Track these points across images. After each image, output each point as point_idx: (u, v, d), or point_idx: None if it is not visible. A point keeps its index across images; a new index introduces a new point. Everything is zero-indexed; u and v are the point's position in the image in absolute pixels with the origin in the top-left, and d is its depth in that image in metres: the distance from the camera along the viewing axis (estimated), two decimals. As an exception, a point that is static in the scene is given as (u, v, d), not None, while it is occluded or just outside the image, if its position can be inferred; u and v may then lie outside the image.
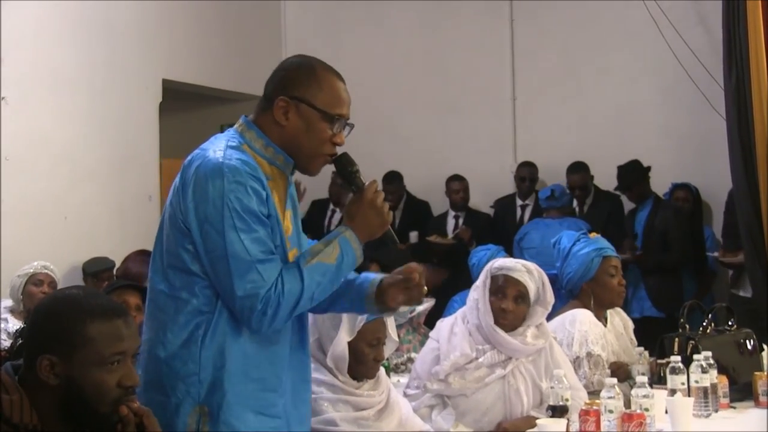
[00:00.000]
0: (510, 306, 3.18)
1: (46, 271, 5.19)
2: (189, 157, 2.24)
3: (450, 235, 6.94)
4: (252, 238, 2.13)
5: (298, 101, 2.24)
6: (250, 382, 2.19)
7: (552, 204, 6.48)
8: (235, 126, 2.32)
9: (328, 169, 2.37)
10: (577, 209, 6.83)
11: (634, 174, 6.42)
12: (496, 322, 3.19)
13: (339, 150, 2.33)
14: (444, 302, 5.49)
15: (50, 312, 1.92)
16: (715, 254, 6.19)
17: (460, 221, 7.06)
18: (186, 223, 2.17)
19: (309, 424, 2.44)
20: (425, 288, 2.38)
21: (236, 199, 2.12)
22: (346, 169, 2.33)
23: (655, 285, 6.21)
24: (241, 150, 2.21)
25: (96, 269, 5.72)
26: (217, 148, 2.21)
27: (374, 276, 2.43)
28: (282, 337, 2.27)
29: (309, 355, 2.43)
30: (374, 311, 2.45)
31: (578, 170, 6.74)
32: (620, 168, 6.46)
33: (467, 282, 5.29)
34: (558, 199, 6.48)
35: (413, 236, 6.98)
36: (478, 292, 3.27)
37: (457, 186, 7.08)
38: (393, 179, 7.27)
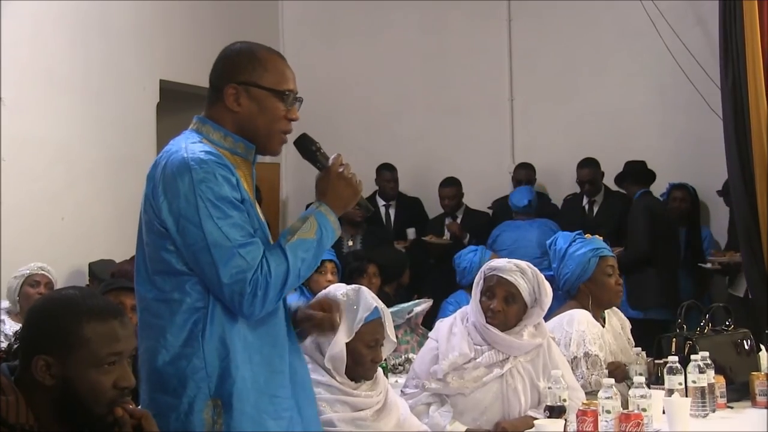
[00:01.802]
0: (498, 306, 3.19)
1: (42, 272, 5.18)
2: (153, 162, 2.27)
3: (446, 236, 6.95)
4: (230, 224, 2.14)
5: (246, 85, 2.28)
6: (256, 366, 2.20)
7: (526, 211, 6.55)
8: (190, 126, 2.34)
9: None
10: (586, 207, 6.84)
11: (625, 170, 6.52)
12: (487, 323, 3.20)
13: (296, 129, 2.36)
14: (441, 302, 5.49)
15: (46, 312, 1.92)
16: (708, 265, 6.19)
17: (458, 221, 7.06)
18: (162, 225, 2.18)
19: (316, 407, 2.45)
20: (337, 321, 2.41)
21: (207, 189, 2.14)
22: (308, 148, 2.37)
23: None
24: (202, 144, 2.24)
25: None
26: (177, 147, 2.23)
27: (293, 303, 2.45)
28: (277, 320, 2.28)
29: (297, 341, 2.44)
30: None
31: (587, 165, 6.76)
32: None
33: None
34: (532, 207, 6.57)
35: (411, 233, 6.99)
36: (473, 292, 3.29)
37: (447, 192, 7.05)
38: (390, 167, 7.29)
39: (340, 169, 2.32)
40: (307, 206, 2.27)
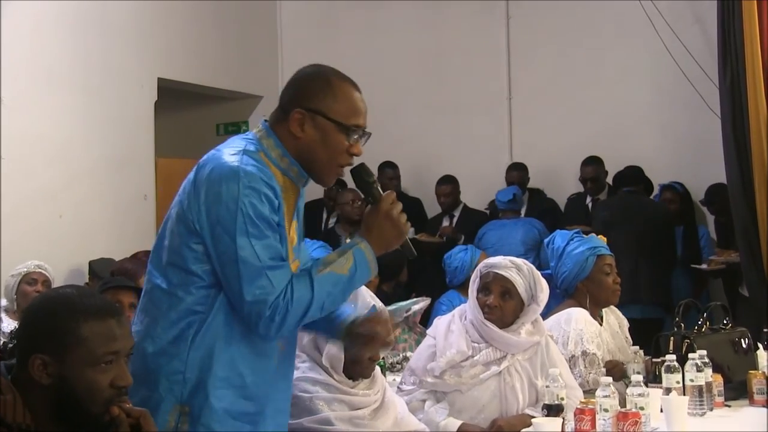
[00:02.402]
0: (494, 302, 3.20)
1: (40, 270, 5.16)
2: (204, 158, 2.23)
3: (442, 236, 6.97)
4: (263, 245, 2.13)
5: (314, 113, 2.23)
6: (232, 389, 2.20)
7: (511, 207, 6.64)
8: (255, 130, 2.31)
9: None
10: (590, 205, 6.83)
11: (621, 173, 6.55)
12: (486, 318, 3.21)
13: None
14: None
15: (43, 311, 1.91)
16: (703, 266, 6.18)
17: (455, 221, 7.08)
18: (197, 224, 2.16)
19: None
20: (392, 338, 2.42)
21: (250, 204, 2.12)
22: (363, 179, 2.33)
23: None
24: (257, 157, 2.20)
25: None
26: (233, 151, 2.20)
27: (350, 314, 2.47)
28: (271, 350, 2.27)
29: (293, 366, 2.45)
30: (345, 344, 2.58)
31: (591, 163, 6.77)
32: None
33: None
34: (517, 203, 6.66)
35: (409, 232, 7.00)
36: (470, 290, 3.31)
37: (443, 190, 7.09)
38: (392, 165, 7.36)
39: (390, 209, 2.28)
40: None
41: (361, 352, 2.42)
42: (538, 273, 3.26)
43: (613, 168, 6.73)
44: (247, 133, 2.31)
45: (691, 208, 6.58)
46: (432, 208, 7.39)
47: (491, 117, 7.61)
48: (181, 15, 7.12)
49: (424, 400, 3.21)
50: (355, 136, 2.26)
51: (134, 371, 2.17)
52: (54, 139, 6.04)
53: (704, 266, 6.14)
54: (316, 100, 2.23)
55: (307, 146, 2.25)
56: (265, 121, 2.31)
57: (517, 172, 7.08)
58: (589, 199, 6.85)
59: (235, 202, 2.11)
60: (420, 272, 6.81)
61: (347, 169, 2.36)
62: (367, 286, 3.00)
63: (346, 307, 2.46)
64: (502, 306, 3.21)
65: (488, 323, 3.20)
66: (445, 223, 7.10)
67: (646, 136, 6.99)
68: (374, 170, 7.10)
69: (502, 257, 3.33)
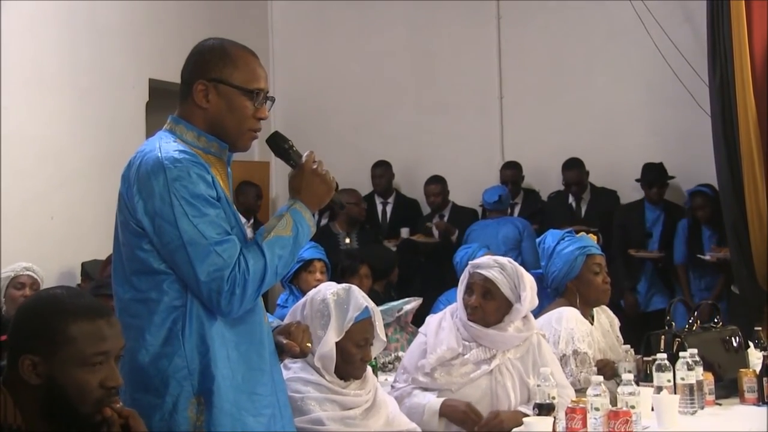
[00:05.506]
0: (476, 302, 3.21)
1: (28, 272, 5.08)
2: (127, 162, 2.28)
3: (434, 233, 6.98)
4: (205, 222, 2.14)
5: (216, 82, 2.27)
6: (234, 363, 2.21)
7: (496, 207, 6.65)
8: (164, 126, 2.34)
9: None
10: (573, 204, 6.85)
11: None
12: (470, 319, 3.22)
13: (270, 128, 2.39)
14: (433, 300, 5.50)
15: (33, 311, 1.91)
16: (707, 257, 6.19)
17: (445, 219, 7.09)
18: (138, 224, 2.18)
19: (290, 410, 2.46)
20: (308, 345, 2.42)
21: (182, 187, 2.14)
22: (280, 146, 2.38)
23: None
24: (176, 144, 2.23)
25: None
26: (151, 147, 2.23)
27: (271, 322, 2.47)
28: (255, 318, 2.28)
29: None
30: None
31: (573, 167, 6.77)
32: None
33: (454, 280, 5.32)
34: (503, 203, 6.68)
35: (404, 232, 7.03)
36: (458, 289, 3.32)
37: (432, 190, 7.11)
38: (382, 164, 7.41)
39: (314, 166, 2.32)
40: None
41: (281, 358, 2.44)
42: (523, 272, 3.25)
43: (603, 167, 6.74)
44: (157, 132, 2.33)
45: (718, 209, 6.46)
46: (425, 207, 7.40)
47: (482, 116, 7.62)
48: (172, 15, 7.11)
49: (410, 393, 3.21)
50: (259, 100, 2.30)
51: (136, 385, 2.18)
52: (45, 140, 6.02)
53: (708, 257, 6.14)
54: (216, 70, 2.27)
55: (215, 116, 2.28)
56: (172, 115, 2.35)
57: (512, 171, 7.10)
58: (572, 198, 6.87)
59: (167, 191, 2.14)
60: (416, 272, 6.82)
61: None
62: (360, 288, 3.01)
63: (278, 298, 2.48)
64: (484, 306, 3.21)
65: (472, 323, 3.21)
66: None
67: (635, 135, 7.00)
68: (363, 171, 7.23)
69: (488, 257, 3.34)
